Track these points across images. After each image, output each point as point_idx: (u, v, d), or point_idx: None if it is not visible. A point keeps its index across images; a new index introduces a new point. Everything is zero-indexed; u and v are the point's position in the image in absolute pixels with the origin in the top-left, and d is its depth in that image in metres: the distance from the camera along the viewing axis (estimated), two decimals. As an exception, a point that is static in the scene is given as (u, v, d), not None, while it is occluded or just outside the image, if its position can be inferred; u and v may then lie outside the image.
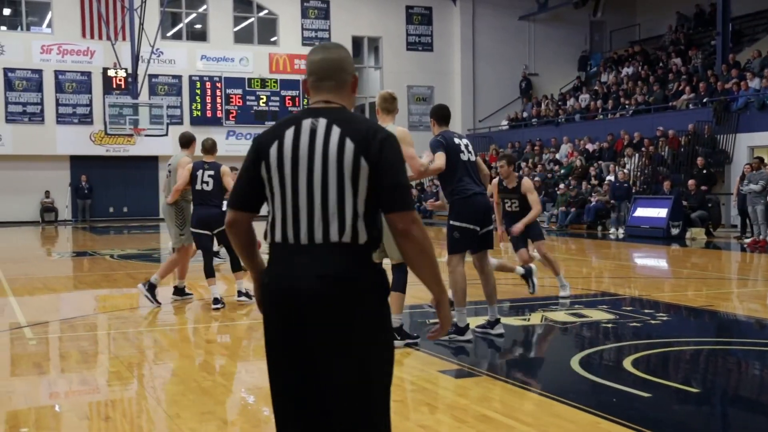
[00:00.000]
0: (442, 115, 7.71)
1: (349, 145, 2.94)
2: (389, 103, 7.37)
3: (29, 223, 28.64)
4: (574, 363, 6.68)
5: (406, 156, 7.58)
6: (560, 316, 8.97)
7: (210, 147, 9.58)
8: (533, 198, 9.46)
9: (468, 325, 7.39)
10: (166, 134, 27.15)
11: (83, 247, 20.02)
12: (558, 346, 8.00)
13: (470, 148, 7.59)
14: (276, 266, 3.03)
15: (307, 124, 3.02)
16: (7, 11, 29.58)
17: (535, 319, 8.76)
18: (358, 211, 2.95)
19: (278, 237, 3.02)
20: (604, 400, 5.69)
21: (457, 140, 7.50)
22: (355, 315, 2.91)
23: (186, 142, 9.81)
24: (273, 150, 3.02)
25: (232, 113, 31.09)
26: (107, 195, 29.95)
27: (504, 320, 8.18)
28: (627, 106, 27.31)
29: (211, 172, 9.12)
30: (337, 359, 2.90)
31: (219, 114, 30.87)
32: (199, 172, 9.10)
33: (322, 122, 3.00)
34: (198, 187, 9.12)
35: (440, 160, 7.29)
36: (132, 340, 8.02)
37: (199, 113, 30.58)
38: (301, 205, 2.97)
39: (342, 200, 2.94)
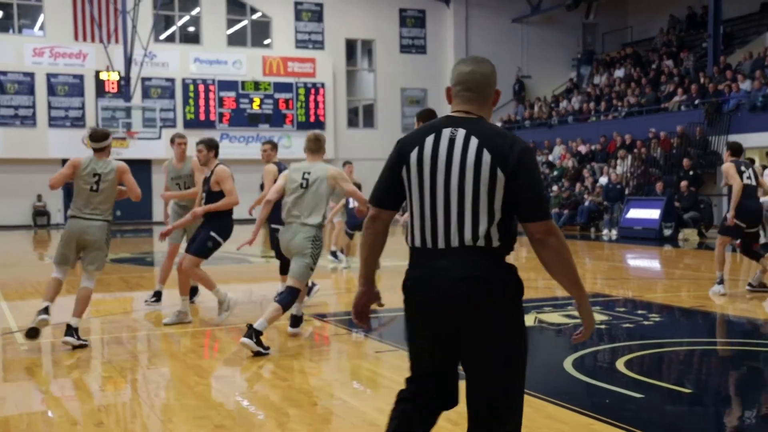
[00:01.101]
0: (428, 118, 7.83)
1: (486, 157, 3.06)
2: (313, 143, 7.75)
3: (21, 227, 28.62)
4: (567, 364, 6.70)
5: (348, 191, 7.81)
6: (553, 317, 8.99)
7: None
8: None
9: None
10: (159, 137, 27.15)
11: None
12: (551, 347, 8.02)
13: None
14: (416, 269, 3.20)
15: (447, 132, 3.15)
16: (-2, 15, 29.56)
17: (528, 320, 8.77)
18: (492, 219, 3.08)
19: (418, 242, 3.19)
20: (598, 401, 5.71)
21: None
22: (492, 311, 3.08)
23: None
24: (414, 155, 3.17)
25: (226, 116, 31.10)
26: (100, 199, 29.81)
27: None
28: (619, 108, 27.38)
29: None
30: (480, 352, 3.12)
31: (212, 117, 30.90)
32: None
33: (461, 132, 3.13)
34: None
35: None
36: (125, 345, 8.03)
37: (192, 116, 30.60)
38: (438, 211, 3.12)
39: (477, 208, 3.07)
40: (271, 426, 5.40)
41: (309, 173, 7.57)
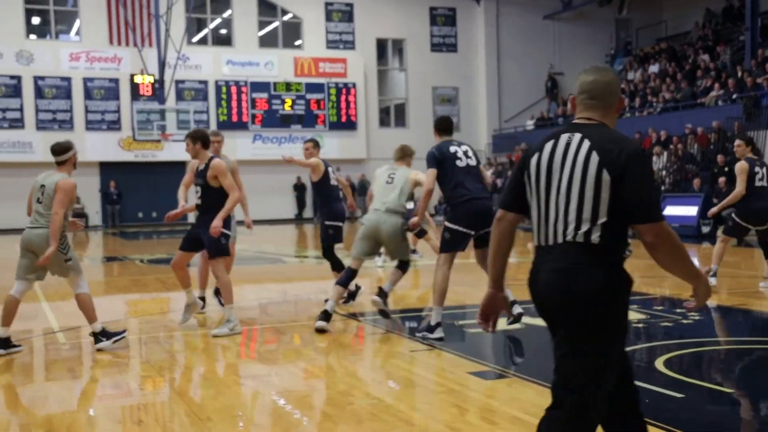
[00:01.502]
0: (442, 127, 8.16)
1: (594, 158, 3.17)
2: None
3: (59, 229, 28.92)
4: (606, 363, 6.66)
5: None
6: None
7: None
8: None
9: (439, 323, 7.60)
10: (193, 139, 27.32)
11: (113, 252, 20.21)
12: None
13: (470, 153, 7.96)
14: (533, 266, 3.41)
15: (564, 138, 3.31)
16: (36, 20, 29.96)
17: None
18: (596, 219, 3.19)
19: (536, 241, 3.41)
20: (637, 400, 5.67)
21: (453, 148, 7.81)
22: (573, 301, 3.22)
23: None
24: (533, 160, 3.36)
25: (258, 117, 31.24)
26: (136, 200, 30.20)
27: (533, 321, 8.15)
28: (654, 104, 27.11)
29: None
30: (566, 339, 3.33)
31: (245, 118, 31.05)
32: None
33: (576, 137, 3.27)
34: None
35: (429, 180, 7.87)
36: (163, 344, 8.11)
37: (225, 118, 30.77)
38: (550, 212, 3.30)
39: (581, 207, 3.20)
40: (307, 425, 5.43)
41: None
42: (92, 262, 18.34)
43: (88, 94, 29.48)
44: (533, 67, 34.09)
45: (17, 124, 28.77)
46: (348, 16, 32.91)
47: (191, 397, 6.20)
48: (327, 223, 9.73)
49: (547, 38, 34.37)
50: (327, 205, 9.84)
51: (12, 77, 28.73)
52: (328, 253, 9.70)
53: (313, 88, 31.88)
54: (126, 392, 6.32)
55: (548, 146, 3.33)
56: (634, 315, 8.86)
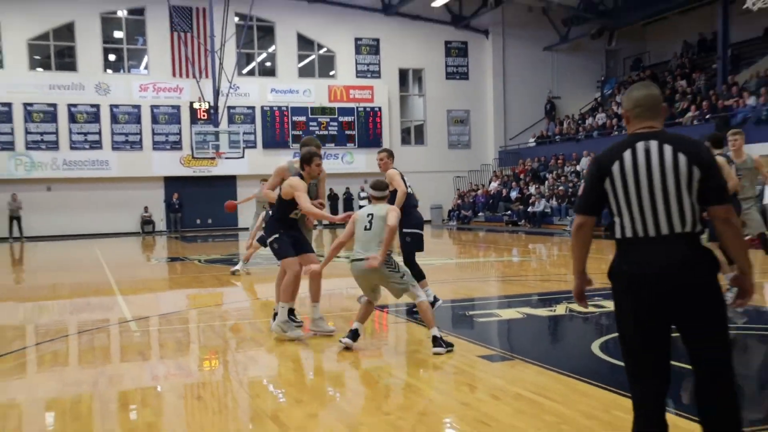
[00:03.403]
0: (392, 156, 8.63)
1: (682, 158, 3.24)
2: None
3: (132, 234, 29.24)
4: (595, 347, 6.64)
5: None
6: (582, 307, 8.90)
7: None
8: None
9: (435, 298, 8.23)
10: (243, 157, 27.56)
11: (176, 253, 20.35)
12: (580, 333, 7.94)
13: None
14: (631, 255, 3.36)
15: (641, 146, 3.33)
16: (112, 57, 30.24)
17: (560, 310, 8.72)
18: (695, 207, 3.25)
19: (629, 233, 3.35)
20: (622, 379, 5.64)
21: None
22: (702, 283, 3.24)
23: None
24: (615, 168, 3.35)
25: (297, 137, 31.28)
26: (194, 209, 30.31)
27: (533, 311, 8.15)
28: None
29: None
30: (698, 317, 3.29)
31: (287, 138, 31.11)
32: None
33: (653, 143, 3.31)
34: None
35: (402, 187, 8.16)
36: (217, 332, 8.15)
37: (269, 138, 30.89)
38: (645, 208, 3.29)
39: (680, 200, 3.25)
40: (341, 400, 5.48)
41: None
42: (158, 261, 18.49)
43: (154, 119, 29.71)
44: (534, 91, 33.95)
45: (96, 145, 29.06)
46: (374, 49, 32.95)
47: (241, 377, 6.26)
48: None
49: (546, 67, 34.19)
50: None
51: (92, 106, 29.02)
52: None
53: (344, 111, 31.94)
54: (187, 372, 6.40)
55: (627, 154, 3.35)
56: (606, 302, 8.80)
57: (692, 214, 3.25)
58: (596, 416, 4.70)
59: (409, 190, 8.46)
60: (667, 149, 3.27)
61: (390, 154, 8.61)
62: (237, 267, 13.25)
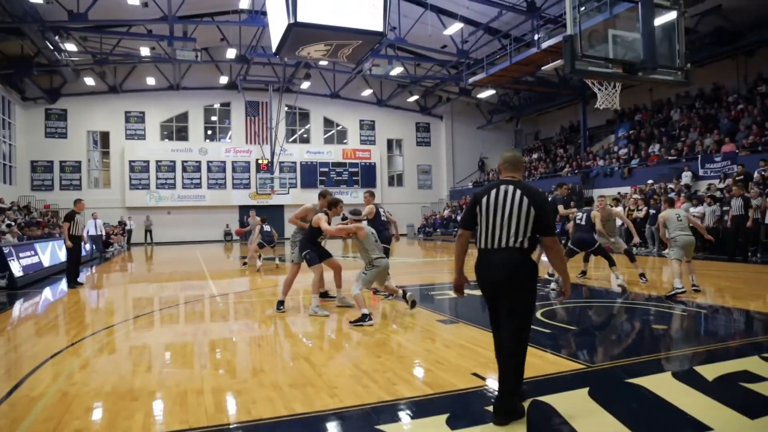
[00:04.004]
0: (373, 195, 8.30)
1: (526, 200, 3.18)
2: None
3: (218, 241, 29.03)
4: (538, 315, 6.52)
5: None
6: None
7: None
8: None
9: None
10: (288, 193, 27.44)
11: (244, 254, 20.14)
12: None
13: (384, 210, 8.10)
14: (485, 258, 3.26)
15: (503, 188, 3.27)
16: (209, 131, 30.24)
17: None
18: (526, 233, 3.17)
19: (484, 245, 3.28)
20: (530, 335, 5.55)
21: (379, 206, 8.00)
22: (522, 283, 3.17)
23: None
24: (484, 200, 3.29)
25: (322, 181, 31.30)
26: (259, 226, 30.01)
27: (471, 292, 7.86)
28: (534, 173, 27.01)
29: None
30: (515, 302, 3.20)
31: (316, 182, 30.98)
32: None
33: (510, 187, 3.25)
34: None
35: (374, 211, 7.87)
36: (271, 305, 7.94)
37: (305, 182, 30.73)
38: (495, 229, 3.21)
39: (518, 226, 3.17)
40: (348, 348, 5.30)
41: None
42: (233, 259, 18.26)
43: (233, 170, 29.52)
44: (471, 154, 34.01)
45: (197, 185, 28.90)
46: (371, 126, 32.89)
47: (285, 333, 6.10)
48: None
49: (479, 139, 34.24)
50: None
51: (196, 161, 28.89)
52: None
53: (352, 165, 31.76)
54: (251, 329, 6.26)
55: (493, 192, 3.27)
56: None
57: (523, 236, 3.15)
58: (511, 358, 4.58)
59: (383, 217, 8.03)
60: (518, 193, 3.20)
61: (371, 194, 8.29)
62: (259, 264, 12.83)
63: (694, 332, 5.64)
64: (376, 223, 7.90)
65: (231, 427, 3.35)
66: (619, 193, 19.05)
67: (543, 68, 19.78)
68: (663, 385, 3.85)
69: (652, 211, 15.87)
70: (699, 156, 17.36)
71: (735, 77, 20.75)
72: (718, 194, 14.73)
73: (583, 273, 9.76)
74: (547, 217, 3.17)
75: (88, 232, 17.43)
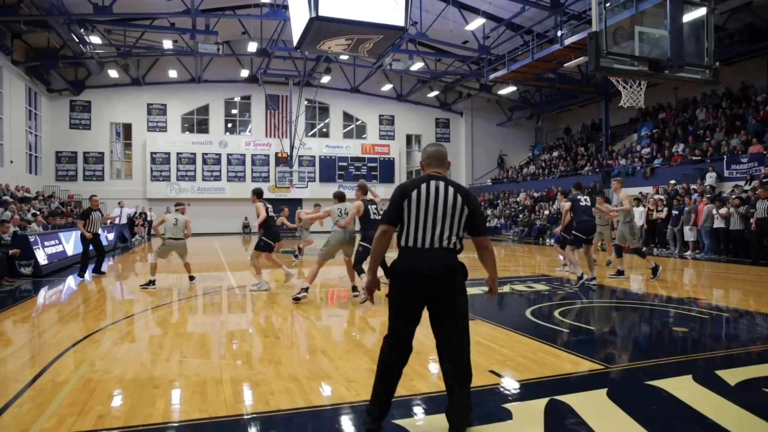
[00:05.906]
0: (364, 190, 7.87)
1: (459, 198, 2.99)
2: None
3: (236, 233, 29.32)
4: (528, 313, 6.52)
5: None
6: (519, 287, 8.77)
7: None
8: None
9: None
10: (306, 187, 27.56)
11: (289, 248, 20.31)
12: (518, 304, 7.79)
13: (377, 207, 7.63)
14: (407, 258, 2.97)
15: (433, 183, 3.01)
16: (229, 125, 30.51)
17: (505, 289, 8.58)
18: (459, 233, 3.01)
19: (411, 243, 2.98)
20: (546, 333, 5.54)
21: (370, 203, 7.60)
22: (460, 284, 3.00)
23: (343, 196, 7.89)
24: (414, 194, 2.99)
25: (342, 175, 31.38)
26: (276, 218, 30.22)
27: (487, 289, 7.91)
28: (555, 172, 26.72)
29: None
30: (446, 303, 2.97)
31: (334, 176, 31.09)
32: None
33: (441, 183, 3.02)
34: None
35: (361, 209, 7.51)
36: (288, 297, 7.98)
37: (324, 176, 30.85)
38: (427, 227, 2.96)
39: (451, 225, 2.97)
40: (364, 341, 5.33)
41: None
42: (252, 251, 18.45)
43: (253, 162, 29.78)
44: (490, 151, 33.78)
45: (218, 178, 29.20)
46: (391, 121, 32.86)
47: (302, 325, 6.14)
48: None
49: (498, 136, 34.00)
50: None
51: (216, 154, 29.18)
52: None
53: (371, 160, 31.75)
54: (269, 321, 6.32)
55: (423, 186, 2.97)
56: (543, 287, 8.65)
57: (456, 236, 2.96)
58: (527, 356, 4.59)
59: (374, 215, 7.53)
60: (450, 190, 2.97)
61: (362, 189, 7.83)
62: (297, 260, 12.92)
63: (716, 336, 5.54)
64: (365, 222, 7.45)
65: (250, 417, 3.40)
66: (640, 192, 18.74)
67: (566, 65, 19.51)
68: (683, 388, 3.80)
69: (674, 212, 15.59)
70: (725, 157, 16.97)
71: (765, 76, 20.19)
72: (743, 196, 14.40)
73: (620, 272, 9.65)
74: (480, 215, 3.00)
75: (120, 221, 18.23)
